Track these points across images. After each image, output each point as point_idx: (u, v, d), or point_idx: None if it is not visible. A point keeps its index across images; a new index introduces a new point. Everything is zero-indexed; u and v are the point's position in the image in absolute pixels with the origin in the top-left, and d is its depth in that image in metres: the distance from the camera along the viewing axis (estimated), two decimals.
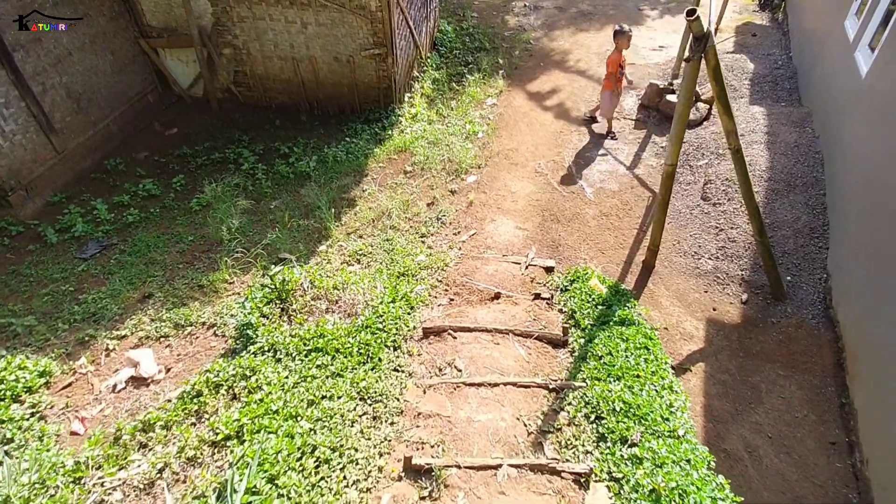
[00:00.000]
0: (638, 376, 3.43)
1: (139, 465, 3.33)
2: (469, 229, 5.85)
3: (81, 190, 6.64)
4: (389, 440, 3.33)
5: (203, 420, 3.60)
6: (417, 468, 3.07)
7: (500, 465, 3.06)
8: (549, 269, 5.07)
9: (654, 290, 5.06)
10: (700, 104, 7.18)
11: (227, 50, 7.65)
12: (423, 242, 5.68)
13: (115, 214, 6.17)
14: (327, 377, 3.52)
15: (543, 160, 6.91)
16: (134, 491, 3.25)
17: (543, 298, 4.47)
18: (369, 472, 3.15)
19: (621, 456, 3.06)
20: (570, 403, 3.39)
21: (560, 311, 4.41)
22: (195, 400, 3.57)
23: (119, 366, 4.60)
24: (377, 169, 6.87)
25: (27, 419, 3.85)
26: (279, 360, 3.67)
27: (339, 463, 3.13)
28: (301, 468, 3.03)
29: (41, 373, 4.24)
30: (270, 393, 3.37)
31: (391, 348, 3.81)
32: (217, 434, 3.29)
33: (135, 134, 7.56)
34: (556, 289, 4.76)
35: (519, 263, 5.12)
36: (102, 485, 3.28)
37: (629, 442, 3.11)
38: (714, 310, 4.83)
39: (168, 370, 4.54)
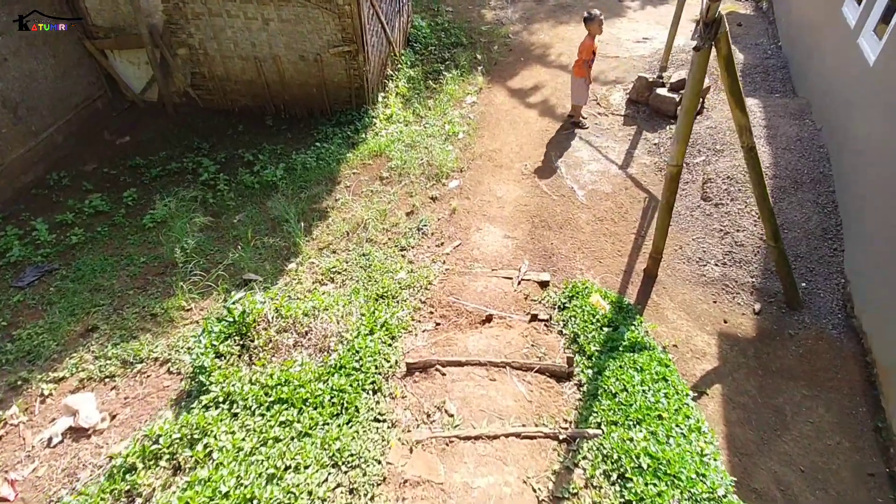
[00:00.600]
0: (660, 417, 2.97)
1: None
2: (453, 240, 5.34)
3: (20, 208, 5.93)
4: None
5: None
6: None
7: None
8: (543, 284, 4.60)
9: (658, 302, 4.62)
10: None
11: (182, 50, 6.99)
12: (403, 256, 5.15)
13: (57, 235, 5.50)
14: (293, 438, 2.95)
15: (529, 161, 6.44)
16: None
17: (541, 320, 3.99)
18: None
19: None
20: (585, 457, 2.90)
21: (560, 333, 3.93)
22: (126, 478, 2.96)
23: (56, 414, 3.99)
24: (351, 176, 6.31)
25: None
26: (236, 416, 3.10)
27: None
28: None
29: None
30: (222, 464, 2.78)
31: (370, 391, 3.27)
32: None
33: (82, 144, 6.85)
34: (554, 306, 4.29)
35: (510, 278, 4.63)
36: None
37: None
38: (725, 322, 4.41)
39: (113, 417, 3.95)
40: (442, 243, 5.31)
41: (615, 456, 2.81)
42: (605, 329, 3.74)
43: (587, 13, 6.26)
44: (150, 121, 7.30)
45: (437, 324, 4.07)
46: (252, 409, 3.08)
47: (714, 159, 5.89)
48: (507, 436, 2.92)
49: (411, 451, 2.94)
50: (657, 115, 6.99)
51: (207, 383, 3.29)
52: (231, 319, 3.63)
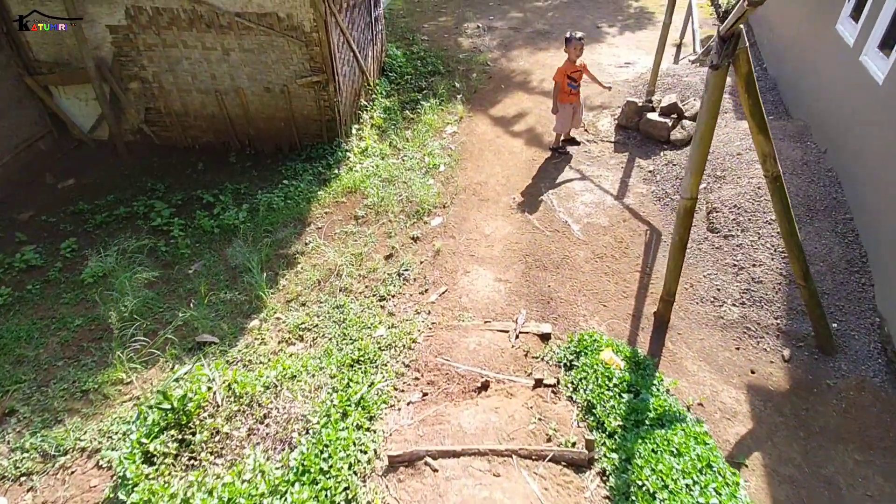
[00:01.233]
0: None
1: None
2: (438, 286, 4.75)
3: None
4: None
5: None
6: None
7: None
8: (545, 337, 4.01)
9: (675, 351, 4.06)
10: (685, 121, 6.43)
11: (133, 84, 6.40)
12: (382, 308, 4.53)
13: None
14: None
15: (518, 194, 5.94)
16: None
17: (547, 385, 3.38)
18: None
19: None
20: None
21: (570, 399, 3.32)
22: None
23: None
24: (322, 216, 5.71)
25: None
26: None
27: None
28: None
29: None
30: None
31: None
32: None
33: (19, 189, 6.14)
34: (559, 364, 3.69)
35: (507, 331, 4.04)
36: None
37: None
38: (753, 372, 3.86)
39: None
40: (426, 290, 4.71)
41: None
42: (625, 396, 3.15)
43: (567, 34, 5.93)
44: (99, 161, 6.63)
45: (425, 393, 3.43)
46: None
47: (716, 186, 5.46)
48: None
49: None
50: (649, 141, 6.60)
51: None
52: (169, 406, 2.94)
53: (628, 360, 3.58)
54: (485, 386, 3.41)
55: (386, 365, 3.74)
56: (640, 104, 6.75)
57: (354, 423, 2.99)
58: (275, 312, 4.52)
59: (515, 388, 3.38)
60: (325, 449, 2.73)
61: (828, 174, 5.15)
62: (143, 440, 2.77)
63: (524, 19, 11.15)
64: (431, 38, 10.17)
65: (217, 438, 2.88)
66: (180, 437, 2.87)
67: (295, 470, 2.61)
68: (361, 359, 3.75)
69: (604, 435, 2.94)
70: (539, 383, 3.38)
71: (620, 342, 3.92)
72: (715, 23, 10.51)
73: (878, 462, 3.26)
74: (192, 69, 6.22)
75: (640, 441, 2.77)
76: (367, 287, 4.78)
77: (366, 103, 7.51)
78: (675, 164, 6.03)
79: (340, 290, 4.72)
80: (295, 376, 3.62)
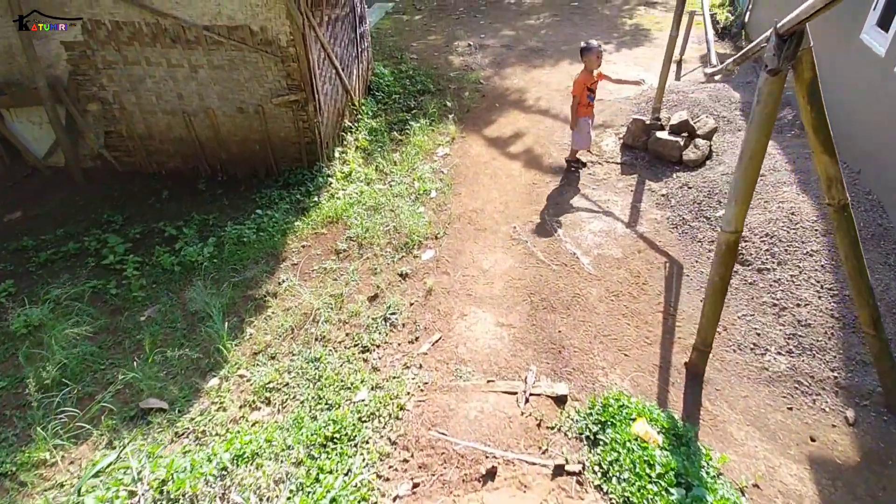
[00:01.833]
0: None
1: None
2: (431, 332, 4.08)
3: None
4: None
5: None
6: None
7: None
8: (560, 400, 3.35)
9: (715, 413, 3.40)
10: (698, 140, 5.89)
11: (92, 105, 5.77)
12: (365, 361, 3.84)
13: None
14: None
15: (518, 222, 5.32)
16: None
17: (570, 472, 2.71)
18: None
19: None
20: None
21: (600, 490, 2.64)
22: None
23: None
24: (299, 250, 5.06)
25: None
26: None
27: None
28: None
29: None
30: None
31: None
32: None
33: None
34: (581, 436, 3.02)
35: (514, 393, 3.37)
36: None
37: None
38: (813, 440, 3.21)
39: None
40: (416, 338, 4.04)
41: None
42: (674, 492, 2.48)
43: (584, 42, 5.40)
44: (53, 191, 5.96)
45: (416, 484, 2.73)
46: None
47: None
48: None
49: None
50: (659, 162, 6.05)
51: None
52: None
53: (666, 431, 2.91)
54: (491, 474, 2.72)
55: (367, 442, 3.04)
56: (647, 122, 6.21)
57: None
58: (238, 368, 3.83)
59: (529, 476, 2.69)
60: None
61: (867, 198, 4.60)
62: None
63: (516, 37, 10.73)
64: (421, 56, 9.69)
65: None
66: None
67: None
68: (337, 435, 3.05)
69: None
70: (560, 470, 2.71)
71: (651, 405, 3.26)
72: (715, 39, 10.15)
73: None
74: (156, 88, 5.62)
75: None
76: (347, 335, 4.10)
77: (350, 124, 6.93)
78: (690, 188, 5.46)
79: (317, 340, 4.04)
80: (255, 456, 2.92)
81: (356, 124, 7.03)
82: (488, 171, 6.22)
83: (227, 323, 4.14)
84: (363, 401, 3.36)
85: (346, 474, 2.73)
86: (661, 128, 6.17)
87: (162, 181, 6.09)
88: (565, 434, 3.08)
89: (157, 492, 2.49)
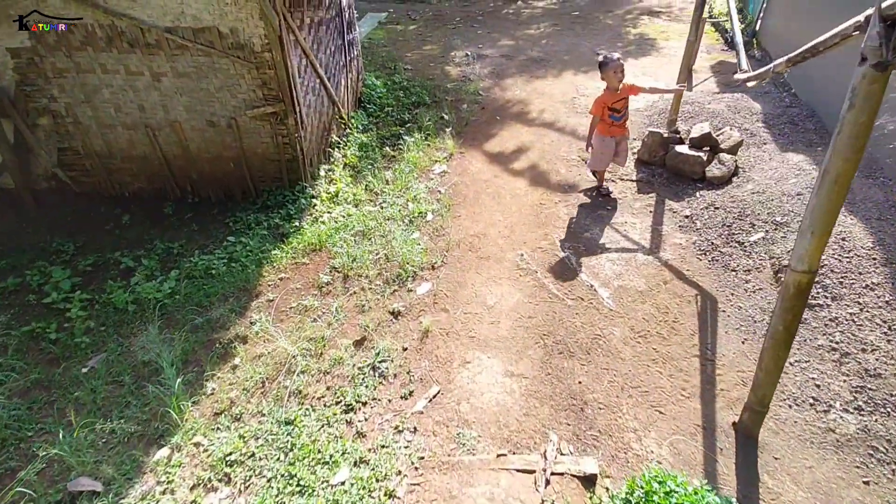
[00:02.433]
0: None
1: None
2: (428, 385, 3.43)
3: None
4: None
5: None
6: None
7: None
8: (588, 480, 2.69)
9: (778, 491, 2.76)
10: (723, 155, 5.31)
11: (43, 119, 5.14)
12: (348, 424, 3.18)
13: None
14: None
15: (526, 248, 4.70)
16: None
17: None
18: None
19: None
20: None
21: None
22: None
23: None
24: (276, 284, 4.41)
25: None
26: None
27: None
28: None
29: None
30: None
31: None
32: None
33: None
34: None
35: (532, 471, 2.71)
36: None
37: None
38: None
39: None
40: (411, 392, 3.38)
41: None
42: None
43: (602, 56, 4.80)
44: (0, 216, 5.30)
45: None
46: None
47: (779, 236, 4.28)
48: None
49: None
50: (679, 179, 5.47)
51: None
52: None
53: None
54: None
55: None
56: (665, 135, 5.64)
57: None
58: (193, 434, 3.15)
59: None
60: None
61: None
62: None
63: (516, 47, 10.23)
64: (416, 67, 9.14)
65: None
66: None
67: None
68: None
69: None
70: None
71: (704, 487, 2.60)
72: (724, 48, 9.68)
73: None
74: (114, 99, 5.00)
75: None
76: (328, 389, 3.44)
77: (338, 139, 6.32)
78: (717, 208, 4.87)
79: (291, 395, 3.38)
80: None
81: (344, 139, 6.43)
82: (490, 191, 5.61)
83: (183, 376, 3.47)
84: (343, 485, 2.69)
85: None
86: (681, 141, 5.60)
87: (124, 204, 5.44)
88: None
89: None
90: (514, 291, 4.22)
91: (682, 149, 5.43)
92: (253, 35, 4.62)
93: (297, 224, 5.05)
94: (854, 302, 3.53)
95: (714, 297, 4.03)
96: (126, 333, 3.93)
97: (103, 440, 3.12)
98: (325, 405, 3.31)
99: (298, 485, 2.76)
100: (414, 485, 2.69)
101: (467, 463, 2.79)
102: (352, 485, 2.69)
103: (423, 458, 2.86)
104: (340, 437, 3.06)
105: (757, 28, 9.34)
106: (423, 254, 4.61)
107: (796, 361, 3.40)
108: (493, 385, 3.41)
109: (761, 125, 6.22)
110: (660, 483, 2.50)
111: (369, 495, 2.63)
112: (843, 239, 3.92)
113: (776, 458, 2.92)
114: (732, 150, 5.39)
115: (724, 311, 3.90)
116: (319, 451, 2.95)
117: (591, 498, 2.62)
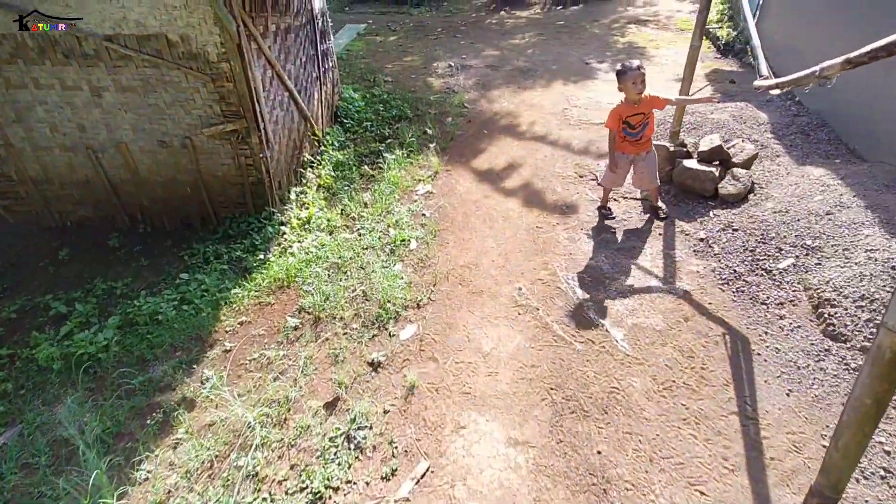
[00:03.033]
0: None
1: None
2: (414, 460, 2.81)
3: None
4: None
5: None
6: None
7: None
8: None
9: None
10: (736, 170, 4.82)
11: None
12: None
13: None
14: None
15: (524, 281, 4.13)
16: None
17: None
18: None
19: None
20: None
21: None
22: None
23: None
24: (234, 330, 3.77)
25: None
26: None
27: None
28: None
29: None
30: None
31: None
32: None
33: None
34: None
35: None
36: None
37: None
38: None
39: None
40: (394, 471, 2.76)
41: None
42: None
43: (619, 66, 4.25)
44: None
45: None
46: None
47: (813, 262, 3.76)
48: None
49: None
50: (688, 196, 4.97)
51: None
52: None
53: None
54: None
55: None
56: (671, 149, 5.15)
57: None
58: None
59: None
60: None
61: None
62: None
63: (501, 57, 9.77)
64: (396, 78, 8.62)
65: None
66: None
67: None
68: None
69: None
70: None
71: None
72: (717, 56, 9.33)
73: None
74: (49, 118, 4.35)
75: None
76: (292, 468, 2.80)
77: (311, 158, 5.73)
78: (736, 230, 4.35)
79: (246, 479, 2.73)
80: None
81: (319, 157, 5.84)
82: (480, 213, 5.05)
83: (111, 457, 2.80)
84: None
85: None
86: (688, 155, 5.11)
87: (65, 236, 4.77)
88: None
89: None
90: (514, 333, 3.63)
91: (691, 163, 4.93)
92: (207, 43, 4.02)
93: (262, 256, 4.42)
94: None
95: (745, 337, 3.48)
96: (49, 399, 3.25)
97: None
98: (286, 492, 2.67)
99: None
100: None
101: None
102: None
103: None
104: None
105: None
106: (406, 289, 4.01)
107: None
108: (494, 458, 2.80)
109: (771, 136, 5.77)
110: None
111: None
112: (893, 267, 3.40)
113: None
114: (746, 165, 4.90)
115: (758, 353, 3.35)
116: None
117: None
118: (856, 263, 3.56)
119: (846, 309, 3.32)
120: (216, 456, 2.86)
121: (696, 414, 3.00)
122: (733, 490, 2.60)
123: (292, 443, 2.93)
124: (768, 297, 3.71)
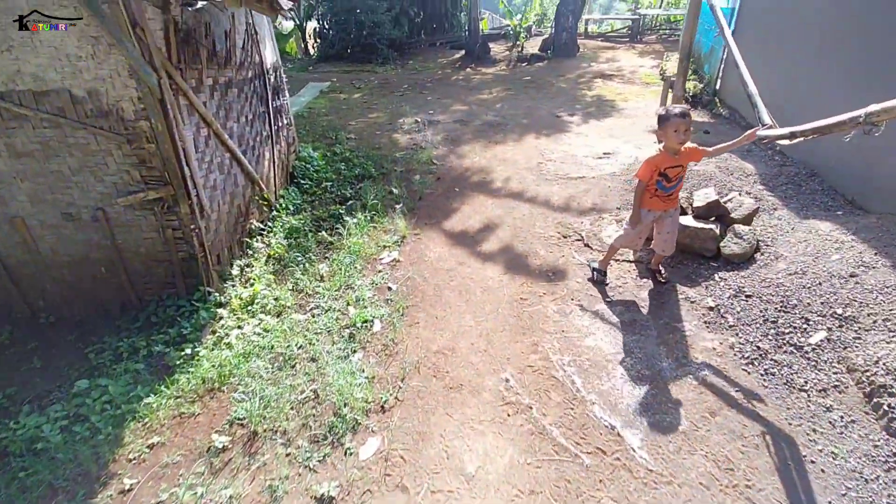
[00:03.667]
0: None
1: None
2: None
3: None
4: None
5: None
6: None
7: None
8: None
9: None
10: (738, 227, 4.32)
11: None
12: None
13: None
14: None
15: (512, 369, 3.41)
16: None
17: None
18: None
19: None
20: None
21: None
22: None
23: None
24: (141, 458, 2.88)
25: None
26: None
27: None
28: None
29: None
30: None
31: None
32: None
33: None
34: None
35: None
36: None
37: None
38: None
39: None
40: None
41: None
42: None
43: (662, 110, 3.66)
44: None
45: None
46: None
47: (849, 337, 3.18)
48: None
49: None
50: (687, 257, 4.42)
51: None
52: None
53: None
54: None
55: None
56: None
57: None
58: None
59: None
60: None
61: None
62: None
63: (470, 111, 9.47)
64: (360, 135, 8.13)
65: None
66: None
67: None
68: None
69: None
70: None
71: None
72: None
73: None
74: None
75: None
76: None
77: (260, 225, 5.01)
78: (749, 296, 3.78)
79: None
80: None
81: (270, 224, 5.13)
82: (455, 284, 4.37)
83: None
84: None
85: None
86: (683, 212, 4.61)
87: None
88: None
89: None
90: (504, 444, 2.86)
91: (688, 221, 4.42)
92: (121, 99, 3.36)
93: (189, 351, 3.58)
94: None
95: (790, 438, 2.81)
96: None
97: None
98: None
99: None
100: None
101: None
102: None
103: None
104: None
105: (717, 87, 8.96)
106: (367, 388, 3.23)
107: None
108: None
109: (762, 187, 5.38)
110: None
111: None
112: None
113: None
114: (746, 220, 4.42)
115: (812, 461, 2.67)
116: None
117: None
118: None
119: None
120: None
121: None
122: None
123: None
124: (806, 382, 3.08)
